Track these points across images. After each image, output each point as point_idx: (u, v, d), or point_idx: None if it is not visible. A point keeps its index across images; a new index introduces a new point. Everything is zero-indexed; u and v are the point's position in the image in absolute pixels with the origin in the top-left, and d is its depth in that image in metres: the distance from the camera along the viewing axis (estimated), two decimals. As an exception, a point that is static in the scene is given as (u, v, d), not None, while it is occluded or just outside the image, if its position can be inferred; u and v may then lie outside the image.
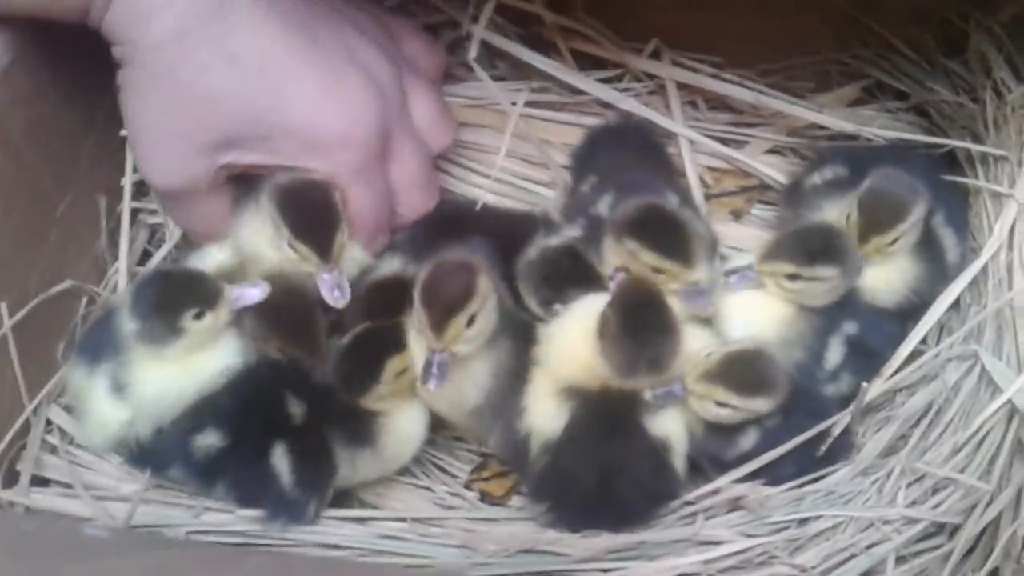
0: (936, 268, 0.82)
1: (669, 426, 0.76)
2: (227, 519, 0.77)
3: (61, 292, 0.83)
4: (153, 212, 0.95)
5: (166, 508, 0.78)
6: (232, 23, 0.70)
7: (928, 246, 0.82)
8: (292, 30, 0.73)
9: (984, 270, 0.80)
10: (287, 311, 0.78)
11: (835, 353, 0.81)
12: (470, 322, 0.72)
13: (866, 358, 0.81)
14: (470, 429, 0.85)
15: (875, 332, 0.81)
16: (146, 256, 0.95)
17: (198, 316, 0.73)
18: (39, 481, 0.80)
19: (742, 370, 0.74)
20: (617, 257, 0.78)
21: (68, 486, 0.79)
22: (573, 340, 0.74)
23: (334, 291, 0.78)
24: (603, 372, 0.73)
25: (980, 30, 0.84)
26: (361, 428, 0.78)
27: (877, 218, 0.78)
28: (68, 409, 0.83)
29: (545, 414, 0.75)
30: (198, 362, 0.76)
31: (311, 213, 0.77)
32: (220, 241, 0.83)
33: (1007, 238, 0.79)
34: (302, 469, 0.76)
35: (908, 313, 0.83)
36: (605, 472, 0.74)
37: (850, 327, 0.81)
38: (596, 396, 0.74)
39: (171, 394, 0.75)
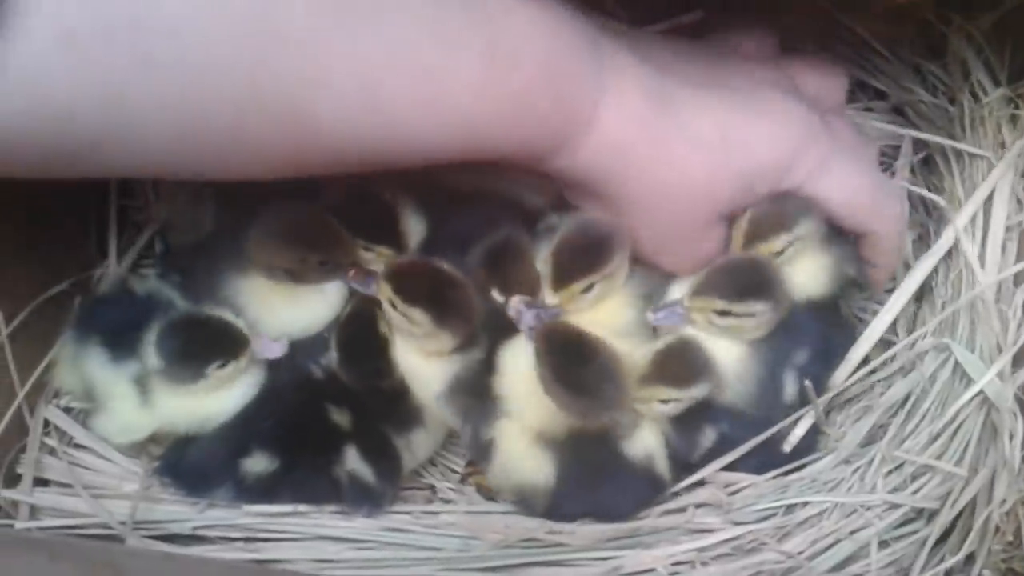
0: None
1: (647, 441, 0.77)
2: (232, 514, 0.79)
3: (56, 294, 0.84)
4: (139, 208, 0.94)
5: (170, 504, 0.79)
6: (678, 108, 0.70)
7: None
8: (720, 92, 0.73)
9: (949, 256, 0.83)
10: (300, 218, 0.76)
11: (791, 385, 0.79)
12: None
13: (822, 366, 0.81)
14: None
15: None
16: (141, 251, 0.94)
17: (221, 366, 0.75)
18: (39, 482, 0.81)
19: (675, 365, 0.74)
20: None
21: (68, 486, 0.80)
22: (530, 382, 0.71)
23: None
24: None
25: (960, 34, 0.85)
26: (406, 412, 0.80)
27: (761, 230, 0.76)
28: (67, 410, 0.83)
29: (533, 467, 0.76)
30: (222, 394, 0.77)
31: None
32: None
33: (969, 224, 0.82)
34: (378, 464, 0.79)
35: (844, 289, 0.83)
36: (601, 500, 0.78)
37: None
38: (573, 438, 0.75)
39: (196, 418, 0.77)
